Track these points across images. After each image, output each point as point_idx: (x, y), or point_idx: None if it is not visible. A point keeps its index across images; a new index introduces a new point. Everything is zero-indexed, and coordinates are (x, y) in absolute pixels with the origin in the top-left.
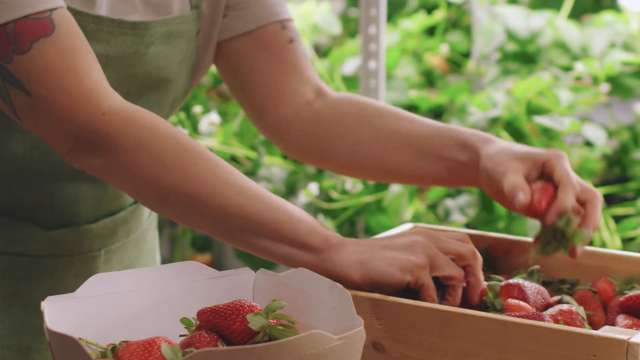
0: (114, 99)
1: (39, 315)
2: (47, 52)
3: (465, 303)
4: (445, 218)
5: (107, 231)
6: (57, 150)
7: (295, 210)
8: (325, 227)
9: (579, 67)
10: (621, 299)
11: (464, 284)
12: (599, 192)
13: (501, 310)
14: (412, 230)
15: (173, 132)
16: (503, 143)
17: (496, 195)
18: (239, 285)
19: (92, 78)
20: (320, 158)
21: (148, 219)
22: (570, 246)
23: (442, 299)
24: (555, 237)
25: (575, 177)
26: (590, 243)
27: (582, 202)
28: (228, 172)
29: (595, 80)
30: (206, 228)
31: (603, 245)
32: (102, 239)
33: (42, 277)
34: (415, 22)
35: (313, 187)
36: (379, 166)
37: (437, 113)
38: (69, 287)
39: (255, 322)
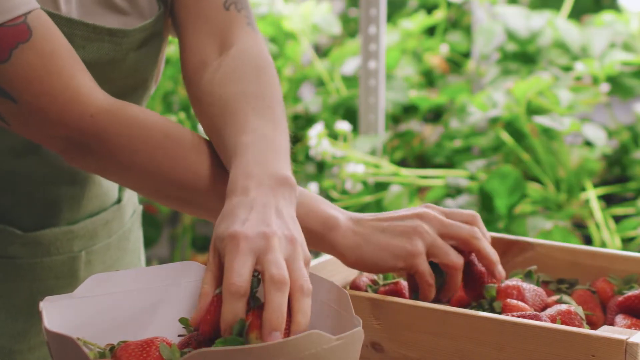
0: (100, 98)
1: (21, 317)
2: (27, 59)
3: (470, 288)
4: None
5: (88, 232)
6: (52, 150)
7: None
8: (322, 204)
9: (579, 67)
10: (620, 298)
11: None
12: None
13: (499, 311)
14: (420, 208)
15: (162, 125)
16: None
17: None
18: None
19: (76, 79)
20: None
21: (130, 219)
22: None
23: (442, 287)
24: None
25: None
26: (590, 243)
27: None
28: (219, 162)
29: (595, 80)
30: (205, 215)
31: (603, 245)
32: (82, 240)
33: (23, 279)
34: (415, 22)
35: (313, 187)
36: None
37: (437, 113)
38: (50, 288)
39: None
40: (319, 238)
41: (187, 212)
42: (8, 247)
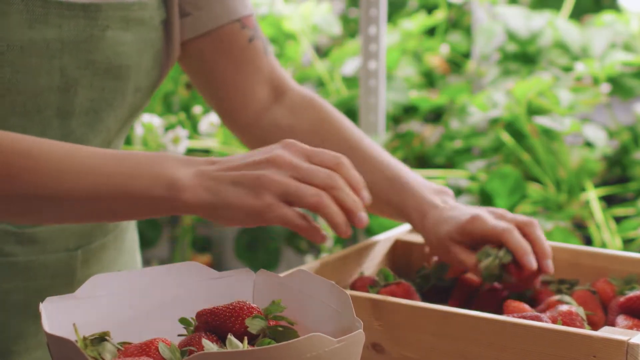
0: None
1: (18, 318)
2: None
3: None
4: None
5: (83, 230)
6: None
7: (132, 166)
8: (168, 165)
9: (579, 67)
10: (621, 299)
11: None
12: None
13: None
14: (276, 148)
15: None
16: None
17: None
18: (238, 285)
19: None
20: None
21: None
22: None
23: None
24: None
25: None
26: (591, 243)
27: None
28: (50, 157)
29: (596, 81)
30: (61, 220)
31: (603, 245)
32: (77, 238)
33: (18, 278)
34: (416, 22)
35: None
36: None
37: (437, 114)
38: (46, 288)
39: (254, 326)
40: (171, 203)
41: (40, 222)
42: (3, 245)
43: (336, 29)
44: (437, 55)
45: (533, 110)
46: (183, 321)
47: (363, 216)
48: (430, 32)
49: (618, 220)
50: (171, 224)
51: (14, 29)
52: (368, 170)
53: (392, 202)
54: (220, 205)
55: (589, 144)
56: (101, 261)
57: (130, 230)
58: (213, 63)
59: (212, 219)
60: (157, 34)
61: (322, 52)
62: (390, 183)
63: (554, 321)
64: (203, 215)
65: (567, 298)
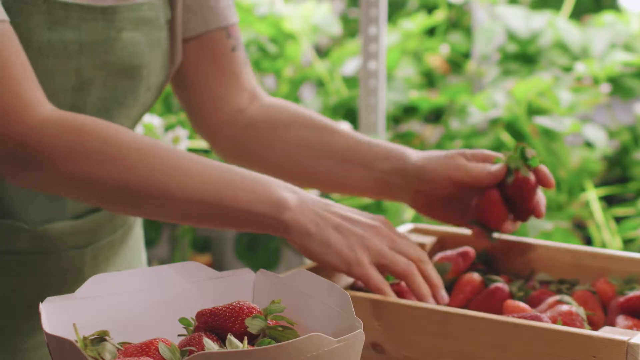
0: (45, 111)
1: (27, 315)
2: None
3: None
4: None
5: (93, 227)
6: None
7: (238, 180)
8: (271, 186)
9: (580, 67)
10: (621, 299)
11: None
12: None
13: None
14: (376, 221)
15: (100, 129)
16: (425, 152)
17: (425, 201)
18: (238, 285)
19: (27, 92)
20: (250, 163)
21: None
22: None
23: None
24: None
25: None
26: (591, 243)
27: None
28: (162, 156)
29: (596, 81)
30: (158, 216)
31: (603, 245)
32: (88, 235)
33: (29, 275)
34: (416, 22)
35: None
36: (308, 174)
37: (437, 114)
38: (56, 285)
39: (254, 326)
40: (271, 221)
41: (135, 214)
42: (15, 243)
43: (336, 29)
44: (437, 55)
45: (533, 111)
46: (183, 321)
47: (444, 294)
48: (430, 32)
49: (618, 220)
50: (171, 224)
51: (34, 30)
52: (348, 144)
53: (373, 160)
54: (318, 240)
55: (589, 144)
56: (109, 258)
57: (136, 227)
58: (195, 66)
59: (303, 246)
60: (163, 33)
61: (322, 52)
62: (367, 145)
63: (554, 321)
64: (296, 238)
65: (567, 298)
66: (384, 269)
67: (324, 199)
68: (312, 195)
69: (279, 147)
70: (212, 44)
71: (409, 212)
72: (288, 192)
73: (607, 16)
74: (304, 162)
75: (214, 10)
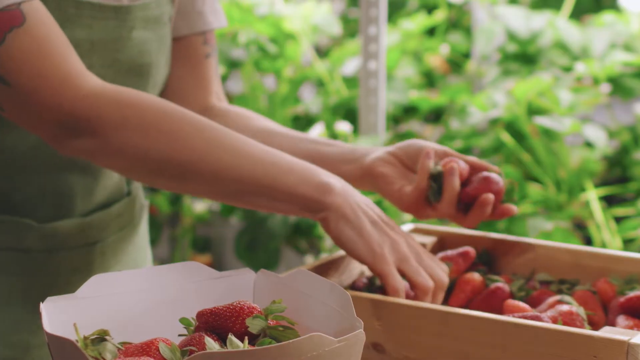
0: (92, 81)
1: (38, 312)
2: (21, 41)
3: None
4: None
5: (101, 224)
6: (43, 138)
7: (286, 161)
8: (318, 171)
9: (580, 67)
10: (621, 299)
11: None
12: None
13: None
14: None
15: (156, 103)
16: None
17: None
18: (239, 285)
19: (69, 62)
20: None
21: (139, 213)
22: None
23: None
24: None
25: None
26: (591, 243)
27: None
28: (215, 134)
29: (596, 81)
30: (203, 193)
31: (603, 245)
32: (96, 231)
33: (38, 272)
34: (416, 22)
35: None
36: None
37: (437, 114)
38: (65, 283)
39: (254, 326)
40: (313, 203)
41: (182, 190)
42: (24, 240)
43: (336, 29)
44: (437, 55)
45: (533, 111)
46: (183, 321)
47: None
48: (430, 32)
49: (618, 220)
50: (171, 224)
51: None
52: (306, 149)
53: (333, 164)
54: (354, 226)
55: (589, 144)
56: (117, 255)
57: (142, 225)
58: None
59: (336, 229)
60: (167, 30)
61: (322, 52)
62: (326, 149)
63: (555, 321)
64: (331, 221)
65: (567, 298)
66: (404, 275)
67: (367, 198)
68: (357, 192)
69: None
70: (188, 48)
71: None
72: (334, 179)
73: (607, 16)
74: None
75: (200, 15)
